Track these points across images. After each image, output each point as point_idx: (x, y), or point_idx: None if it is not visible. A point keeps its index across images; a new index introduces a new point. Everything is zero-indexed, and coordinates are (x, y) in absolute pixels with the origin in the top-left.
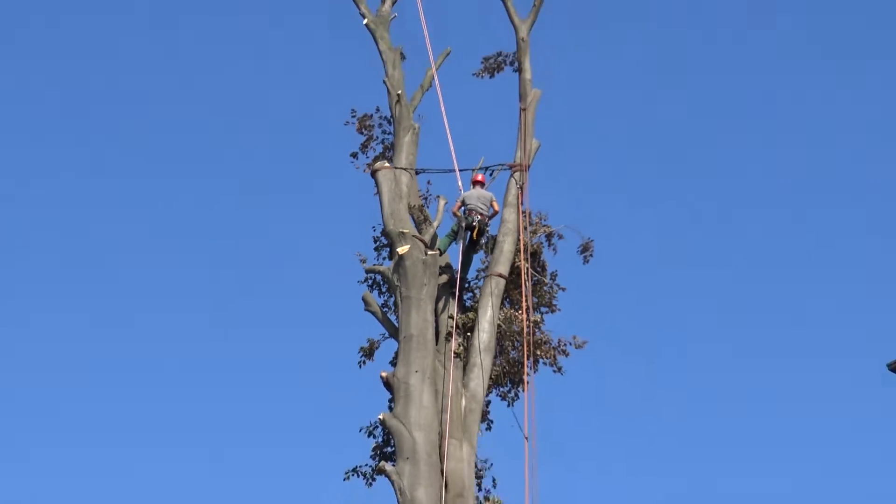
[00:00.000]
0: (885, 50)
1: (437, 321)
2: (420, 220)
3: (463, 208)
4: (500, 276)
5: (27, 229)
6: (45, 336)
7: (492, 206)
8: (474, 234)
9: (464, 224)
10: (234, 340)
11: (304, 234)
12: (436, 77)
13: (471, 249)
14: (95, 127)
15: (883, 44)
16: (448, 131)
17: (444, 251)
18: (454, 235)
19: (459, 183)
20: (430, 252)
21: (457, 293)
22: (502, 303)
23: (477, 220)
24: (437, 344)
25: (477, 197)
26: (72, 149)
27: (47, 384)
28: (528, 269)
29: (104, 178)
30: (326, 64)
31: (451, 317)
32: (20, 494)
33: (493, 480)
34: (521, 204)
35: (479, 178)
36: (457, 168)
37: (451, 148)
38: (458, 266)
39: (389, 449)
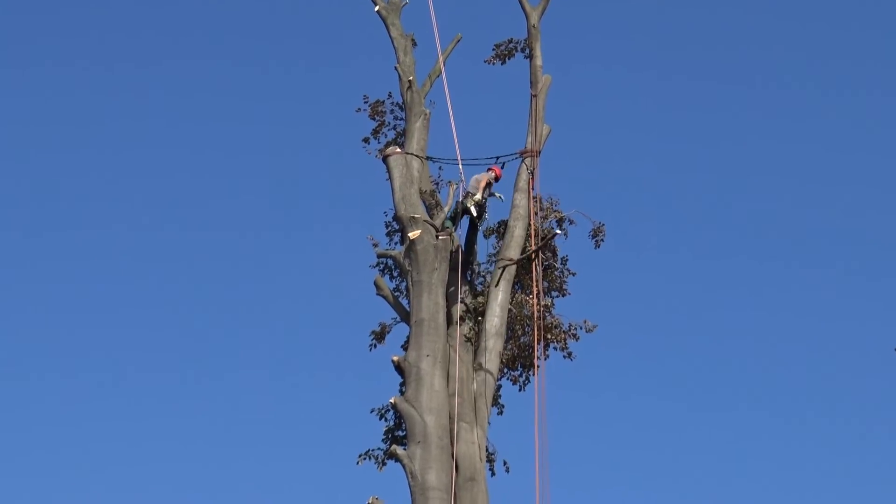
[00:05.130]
0: None
1: (448, 305)
2: (431, 205)
3: (462, 190)
4: (511, 260)
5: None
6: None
7: (479, 186)
8: (481, 217)
9: (459, 209)
10: (248, 324)
11: (316, 218)
12: (443, 65)
13: (473, 232)
14: (98, 123)
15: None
16: (452, 120)
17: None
18: (451, 220)
19: (462, 174)
20: (441, 236)
21: (459, 275)
22: (513, 287)
23: (473, 201)
24: (448, 328)
25: (476, 179)
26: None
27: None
28: (538, 253)
29: (105, 178)
30: (339, 50)
31: (462, 301)
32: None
33: (505, 463)
34: (532, 189)
35: (498, 171)
36: (459, 158)
37: (455, 136)
38: (465, 249)
39: (401, 432)
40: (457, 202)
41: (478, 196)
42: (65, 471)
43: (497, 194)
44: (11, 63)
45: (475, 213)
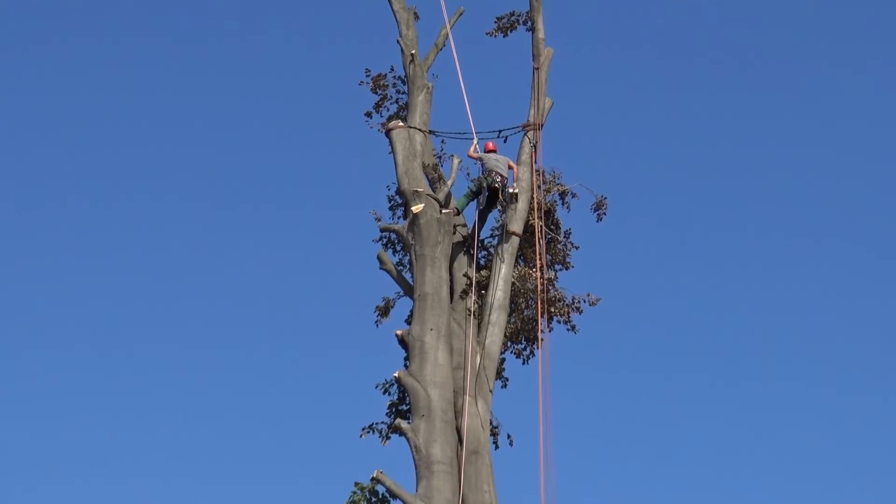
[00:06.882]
0: None
1: (451, 279)
2: (434, 179)
3: (482, 168)
4: (514, 233)
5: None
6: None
7: (509, 167)
8: (500, 194)
9: (484, 185)
10: (251, 301)
11: (319, 193)
12: (450, 36)
13: (487, 210)
14: (97, 115)
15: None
16: (464, 91)
17: (462, 211)
18: (472, 195)
19: (475, 138)
20: (444, 210)
21: (475, 252)
22: (516, 261)
23: (497, 181)
24: (451, 302)
25: (496, 158)
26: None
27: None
28: (541, 226)
29: (102, 148)
30: (341, 23)
31: (465, 275)
32: None
33: (509, 437)
34: (535, 162)
35: (491, 145)
36: (473, 129)
37: (467, 105)
38: (473, 225)
39: (405, 406)
40: (479, 178)
41: (503, 172)
42: (62, 463)
43: (513, 189)
44: None
45: (501, 195)
